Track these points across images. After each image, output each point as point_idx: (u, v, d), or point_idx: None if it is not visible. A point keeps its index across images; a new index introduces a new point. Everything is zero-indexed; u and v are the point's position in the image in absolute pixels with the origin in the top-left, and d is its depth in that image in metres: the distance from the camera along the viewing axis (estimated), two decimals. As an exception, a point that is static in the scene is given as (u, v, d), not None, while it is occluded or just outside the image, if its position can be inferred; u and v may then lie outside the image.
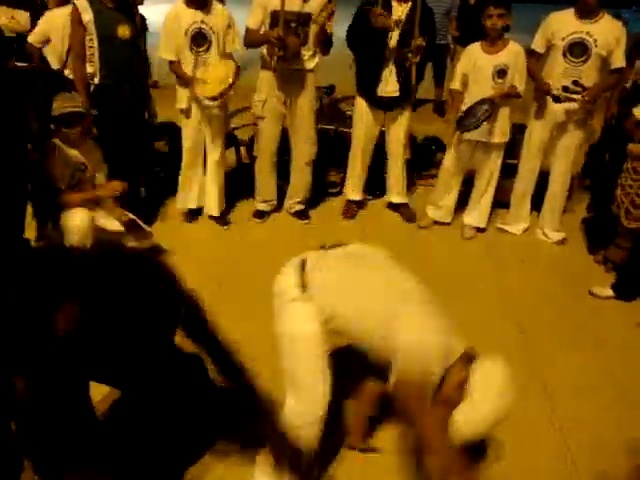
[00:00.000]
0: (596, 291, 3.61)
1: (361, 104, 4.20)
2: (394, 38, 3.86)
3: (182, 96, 3.95)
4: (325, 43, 3.92)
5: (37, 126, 3.98)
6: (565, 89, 3.81)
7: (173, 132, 4.65)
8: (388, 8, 3.82)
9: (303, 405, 1.98)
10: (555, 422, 2.62)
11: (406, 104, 4.19)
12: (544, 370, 2.96)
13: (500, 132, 4.02)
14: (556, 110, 3.93)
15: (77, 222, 3.20)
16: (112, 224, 3.49)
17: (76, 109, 3.28)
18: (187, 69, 3.83)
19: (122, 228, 3.51)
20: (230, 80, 3.66)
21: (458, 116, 3.94)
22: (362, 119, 4.23)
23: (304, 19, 3.77)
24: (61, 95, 3.36)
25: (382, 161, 4.46)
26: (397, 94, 4.04)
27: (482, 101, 3.81)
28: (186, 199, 4.26)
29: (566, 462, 2.42)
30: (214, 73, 3.73)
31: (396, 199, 4.52)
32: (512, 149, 4.33)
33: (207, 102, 3.82)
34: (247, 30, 3.88)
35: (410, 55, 3.84)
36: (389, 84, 4.00)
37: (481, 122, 3.78)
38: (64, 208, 3.25)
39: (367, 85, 4.08)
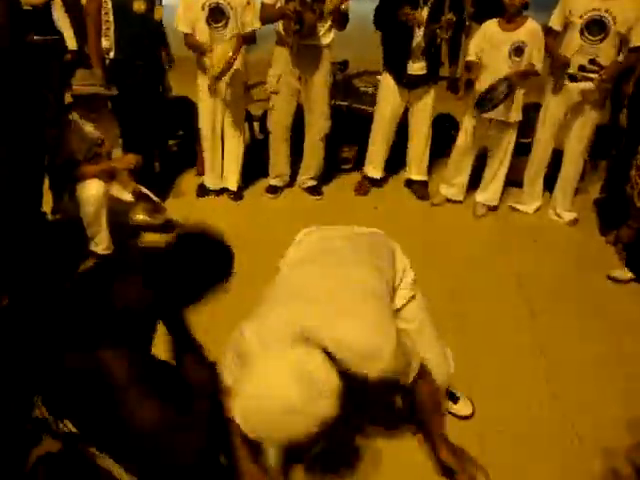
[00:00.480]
0: (616, 275, 3.58)
1: (388, 82, 4.17)
2: (423, 16, 3.82)
3: (202, 83, 3.97)
4: (340, 21, 3.91)
5: (53, 101, 4.01)
6: (582, 68, 3.76)
7: (188, 106, 4.66)
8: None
9: None
10: (560, 401, 2.65)
11: (433, 82, 4.18)
12: (551, 349, 2.98)
13: (515, 111, 4.01)
14: (572, 90, 3.89)
15: (92, 192, 3.24)
16: (126, 195, 3.55)
17: (97, 90, 3.31)
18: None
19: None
20: (230, 54, 3.66)
21: (477, 98, 3.91)
22: (388, 97, 4.20)
23: None
24: (81, 72, 3.38)
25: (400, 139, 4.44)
26: (424, 72, 4.03)
27: (499, 81, 3.78)
28: (215, 181, 4.31)
29: (572, 441, 2.46)
30: (218, 53, 3.74)
31: (416, 177, 4.51)
32: (526, 128, 4.31)
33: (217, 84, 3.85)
34: (263, 5, 3.86)
35: (439, 31, 3.83)
36: (417, 62, 3.99)
37: (500, 102, 3.77)
38: (80, 180, 3.29)
39: (395, 63, 4.06)
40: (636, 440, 2.44)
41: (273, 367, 1.54)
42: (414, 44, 3.92)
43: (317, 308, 1.73)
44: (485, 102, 3.82)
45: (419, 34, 3.88)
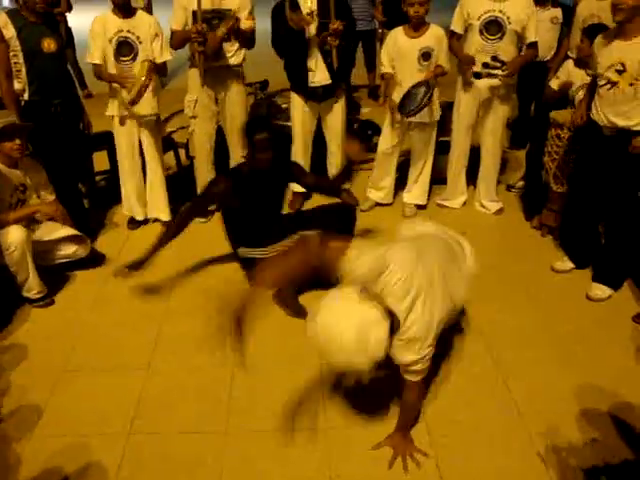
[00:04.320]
0: (557, 267, 3.69)
1: (296, 98, 4.25)
2: (312, 29, 3.91)
3: (113, 103, 3.96)
4: (245, 40, 4.00)
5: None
6: (485, 65, 3.95)
7: (111, 140, 4.63)
8: (295, 4, 3.89)
9: None
10: (499, 377, 2.79)
11: (339, 91, 4.25)
12: (486, 331, 3.13)
13: (433, 110, 4.15)
14: (480, 87, 4.08)
15: (13, 239, 3.15)
16: (50, 234, 3.47)
17: (13, 120, 3.26)
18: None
19: (61, 234, 3.48)
20: (142, 78, 3.67)
21: (399, 103, 3.98)
22: (298, 113, 4.28)
23: (223, 15, 3.84)
24: None
25: (323, 150, 4.53)
26: (328, 82, 4.08)
27: (418, 84, 3.89)
28: (131, 208, 4.28)
29: (512, 413, 2.59)
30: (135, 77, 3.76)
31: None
32: (444, 126, 4.48)
33: (132, 110, 3.83)
34: (172, 32, 3.93)
35: (330, 39, 3.87)
36: (318, 73, 4.05)
37: (424, 105, 3.87)
38: None
39: (298, 79, 4.13)
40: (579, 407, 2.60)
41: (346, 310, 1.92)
42: (309, 56, 3.99)
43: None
44: (410, 107, 3.90)
45: (312, 45, 3.95)
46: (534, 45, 3.98)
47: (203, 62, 3.85)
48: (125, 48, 3.78)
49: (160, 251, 3.34)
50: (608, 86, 3.13)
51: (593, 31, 3.61)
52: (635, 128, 3.08)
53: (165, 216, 4.28)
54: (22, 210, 3.37)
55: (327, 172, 4.60)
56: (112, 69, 3.82)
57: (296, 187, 4.55)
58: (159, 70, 3.95)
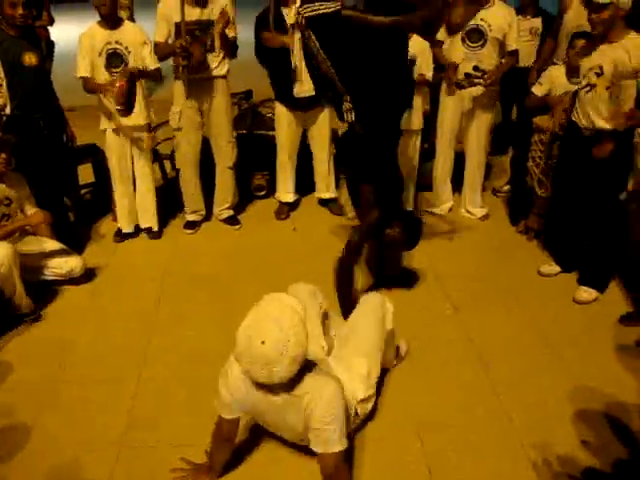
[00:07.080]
0: (544, 270, 3.72)
1: (280, 109, 4.28)
2: (297, 39, 3.89)
3: (104, 117, 3.95)
4: (229, 49, 4.00)
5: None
6: (467, 75, 4.00)
7: (96, 153, 4.62)
8: (280, 16, 3.92)
9: None
10: (489, 383, 2.79)
11: (324, 101, 4.25)
12: (475, 337, 3.14)
13: (416, 119, 4.19)
14: (463, 97, 4.13)
15: None
16: (35, 246, 3.49)
17: None
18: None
19: (49, 248, 3.50)
20: (118, 84, 3.56)
21: None
22: (283, 123, 4.31)
23: (206, 26, 3.85)
24: None
25: (309, 159, 4.55)
26: (313, 93, 4.10)
27: None
28: (129, 223, 4.27)
29: (503, 419, 2.59)
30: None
31: (325, 195, 4.62)
32: (429, 134, 4.51)
33: (122, 120, 3.83)
34: (155, 44, 3.91)
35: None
36: (304, 84, 4.06)
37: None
38: None
39: (283, 90, 4.14)
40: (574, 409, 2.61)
41: None
42: (293, 68, 3.98)
43: None
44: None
45: (295, 57, 3.94)
46: (514, 53, 4.03)
47: (187, 74, 3.86)
48: (115, 59, 3.78)
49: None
50: (587, 88, 3.21)
51: (583, 38, 3.61)
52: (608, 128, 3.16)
53: (155, 226, 4.27)
54: (9, 225, 3.36)
55: (314, 183, 4.62)
56: (101, 80, 3.80)
57: (283, 196, 4.57)
58: (153, 76, 3.98)
